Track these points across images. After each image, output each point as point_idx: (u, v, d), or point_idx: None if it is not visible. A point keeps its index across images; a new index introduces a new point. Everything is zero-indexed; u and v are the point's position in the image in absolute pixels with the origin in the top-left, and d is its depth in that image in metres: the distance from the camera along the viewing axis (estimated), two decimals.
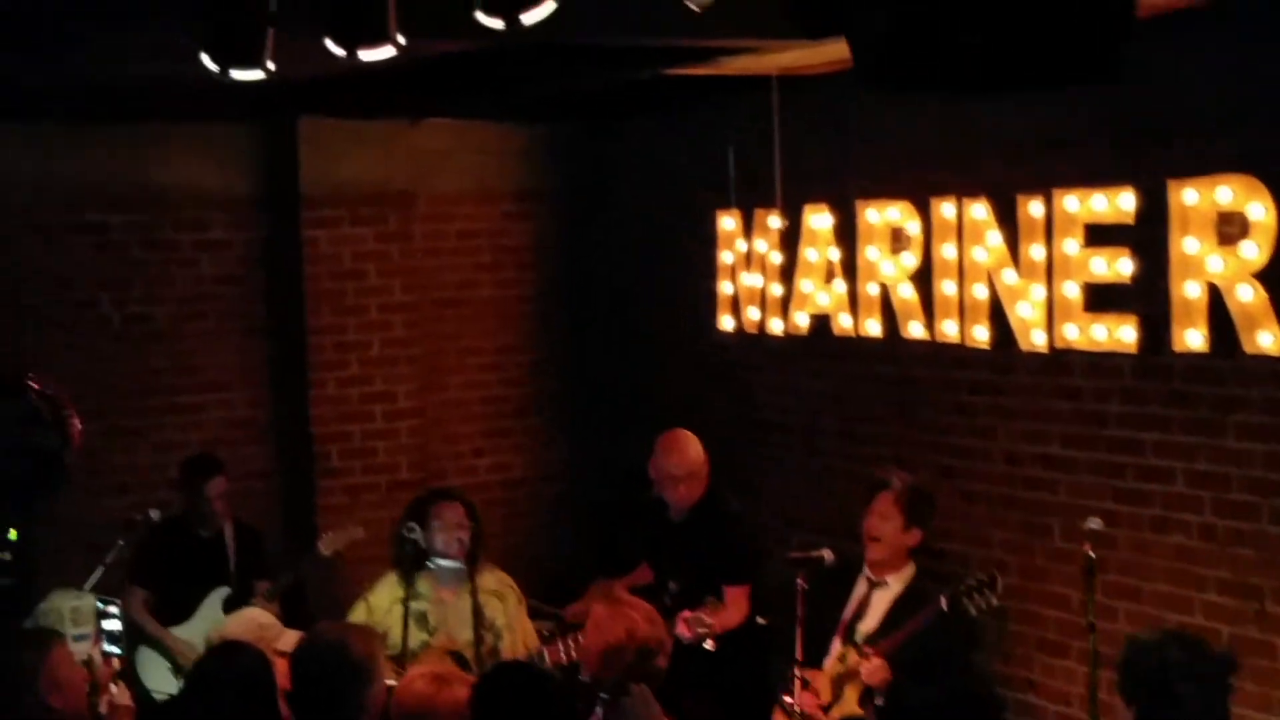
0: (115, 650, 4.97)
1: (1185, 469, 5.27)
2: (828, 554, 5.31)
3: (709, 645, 5.31)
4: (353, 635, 4.23)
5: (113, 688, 4.69)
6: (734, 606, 5.96)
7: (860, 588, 5.52)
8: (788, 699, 5.14)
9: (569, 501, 8.10)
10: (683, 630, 5.22)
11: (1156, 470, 5.36)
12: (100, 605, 5.02)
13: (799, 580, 5.11)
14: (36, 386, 5.76)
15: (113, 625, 5.01)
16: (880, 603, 5.50)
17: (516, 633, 5.71)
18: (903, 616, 5.37)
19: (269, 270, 7.65)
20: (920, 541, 5.58)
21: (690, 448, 6.11)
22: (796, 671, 5.11)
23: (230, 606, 6.48)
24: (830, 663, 5.43)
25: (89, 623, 4.87)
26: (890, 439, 6.51)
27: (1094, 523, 4.93)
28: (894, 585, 5.53)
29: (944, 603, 5.15)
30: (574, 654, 5.24)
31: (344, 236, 7.54)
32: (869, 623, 5.47)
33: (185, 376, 7.52)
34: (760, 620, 6.13)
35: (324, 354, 7.54)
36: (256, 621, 5.39)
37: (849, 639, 5.47)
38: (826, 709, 5.34)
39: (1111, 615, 5.32)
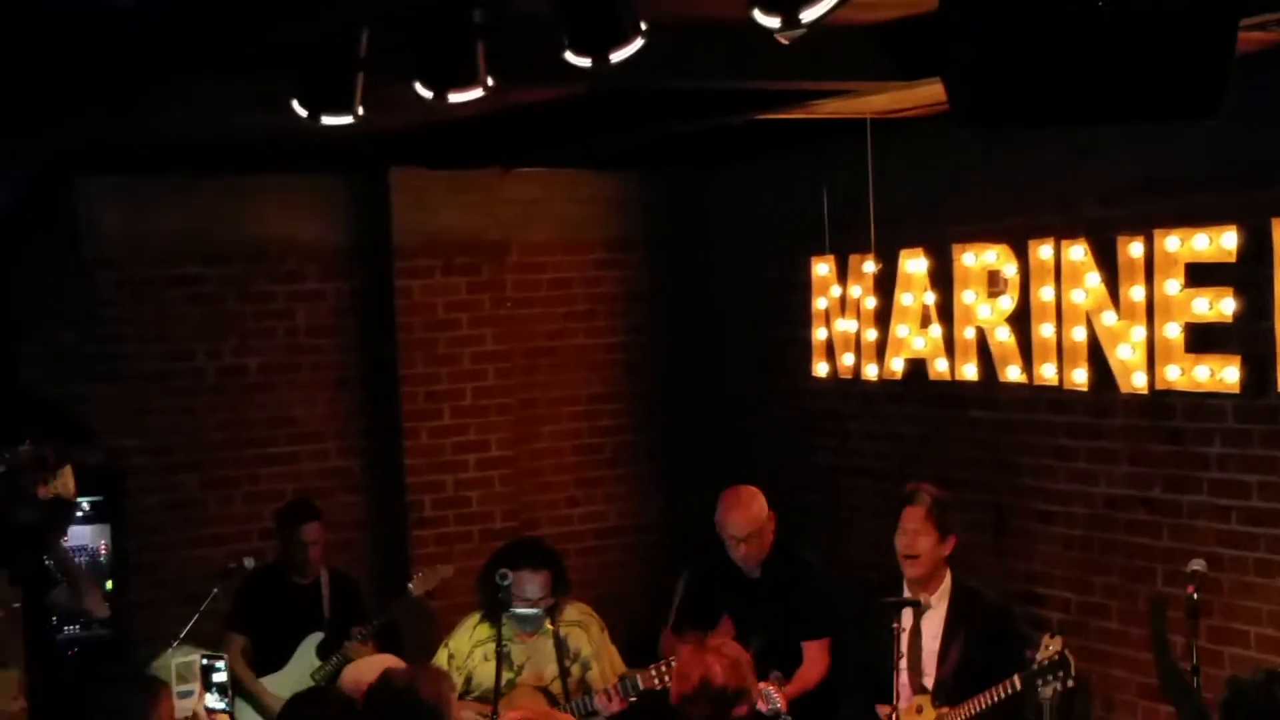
0: (220, 706, 5.11)
1: None
2: (925, 598, 5.43)
3: (781, 708, 5.33)
4: (422, 677, 4.34)
5: None
6: (813, 661, 6.02)
7: (906, 618, 5.42)
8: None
9: (662, 552, 8.16)
10: (759, 704, 5.22)
11: (1262, 513, 5.43)
12: (206, 660, 5.21)
13: (895, 624, 5.17)
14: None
15: (220, 677, 5.16)
16: (931, 628, 5.49)
17: (604, 660, 5.84)
18: (956, 633, 5.41)
19: (362, 320, 7.88)
20: (954, 548, 5.59)
21: (752, 506, 6.14)
22: (888, 713, 5.19)
23: (324, 652, 6.66)
24: (911, 708, 5.42)
25: (194, 678, 5.07)
26: (987, 484, 6.58)
27: (1197, 564, 4.99)
28: (938, 606, 5.53)
29: (1017, 682, 5.12)
30: (667, 680, 5.33)
31: (436, 286, 7.77)
32: (929, 663, 5.47)
33: (279, 427, 7.76)
34: None
35: (416, 403, 7.76)
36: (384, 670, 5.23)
37: (920, 688, 5.47)
38: None
39: (1216, 660, 5.37)
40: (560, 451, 8.24)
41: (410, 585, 6.79)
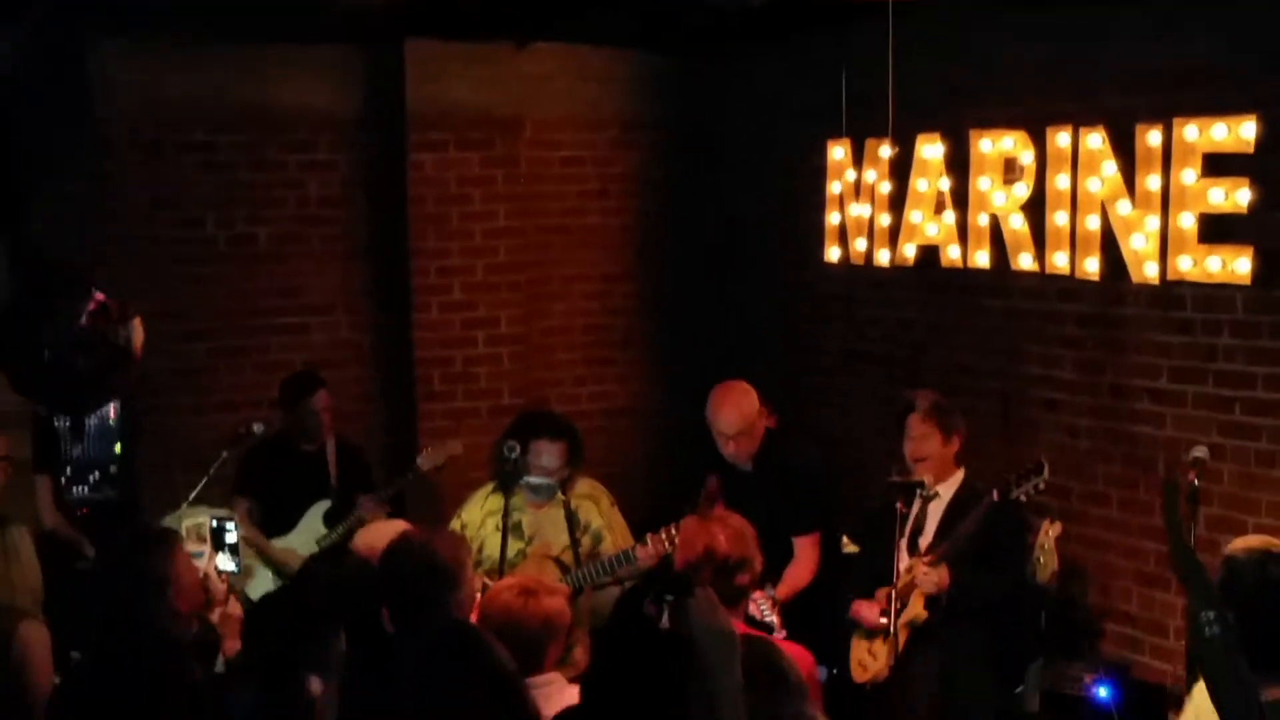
0: (231, 567, 5.18)
1: None
2: (929, 478, 5.57)
3: (775, 620, 5.39)
4: (440, 540, 4.33)
5: (231, 600, 4.85)
6: (804, 558, 6.10)
7: (914, 504, 5.64)
8: (882, 620, 5.42)
9: (668, 435, 8.23)
10: (754, 609, 5.30)
11: (1266, 404, 5.51)
12: (216, 522, 5.26)
13: (899, 505, 5.31)
14: (98, 292, 6.05)
15: (231, 539, 5.22)
16: (935, 513, 5.68)
17: (615, 532, 5.98)
18: (956, 520, 5.57)
19: (374, 193, 7.91)
20: (963, 443, 5.74)
21: (742, 404, 6.13)
22: (889, 593, 5.31)
23: (331, 520, 6.79)
24: (900, 579, 5.55)
25: (205, 539, 5.10)
26: (995, 372, 6.67)
27: (1199, 451, 5.12)
28: (945, 494, 5.70)
29: (995, 495, 5.36)
30: (673, 545, 5.40)
31: (449, 160, 7.80)
32: (927, 536, 5.64)
33: (289, 298, 7.84)
34: (848, 547, 6.32)
35: (427, 278, 7.83)
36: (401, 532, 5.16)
37: (912, 553, 5.62)
38: (896, 616, 5.46)
39: (1213, 549, 5.21)
40: (570, 331, 8.30)
41: (419, 460, 6.86)
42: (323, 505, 6.86)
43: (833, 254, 7.34)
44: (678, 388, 8.25)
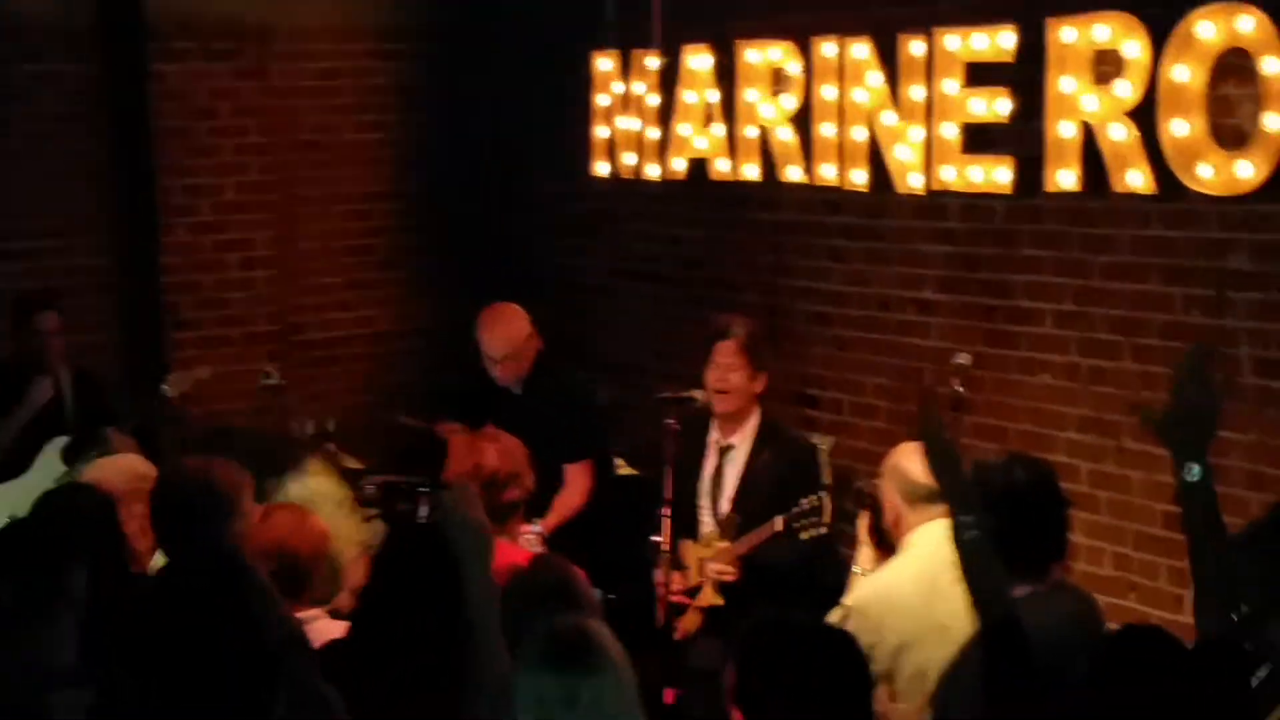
0: None
1: (1054, 310, 5.62)
2: (700, 395, 5.54)
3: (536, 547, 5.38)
4: (218, 467, 4.26)
5: None
6: (573, 486, 6.09)
7: (711, 455, 5.62)
8: (656, 539, 5.32)
9: (435, 358, 8.09)
10: (520, 543, 5.16)
11: (1025, 312, 5.71)
12: None
13: (669, 422, 5.34)
14: None
15: None
16: (731, 473, 5.60)
17: None
18: (755, 481, 5.52)
19: (113, 107, 7.50)
20: (766, 386, 5.65)
21: (511, 326, 6.16)
22: (665, 513, 5.28)
23: (71, 456, 6.24)
24: (702, 543, 5.56)
25: None
26: (765, 286, 6.76)
27: (962, 358, 5.19)
28: (741, 447, 5.60)
29: (779, 524, 5.27)
30: None
31: (195, 72, 7.55)
32: (724, 503, 5.59)
33: (19, 220, 7.40)
34: (623, 468, 6.34)
35: (173, 198, 7.58)
36: (135, 471, 4.84)
37: (712, 511, 5.61)
38: (693, 592, 5.49)
39: (978, 455, 5.47)
40: (330, 252, 8.12)
41: (165, 387, 6.64)
42: (59, 442, 6.36)
43: (601, 168, 7.35)
44: (445, 310, 8.07)
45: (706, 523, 5.60)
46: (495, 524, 4.04)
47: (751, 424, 5.62)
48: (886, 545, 4.74)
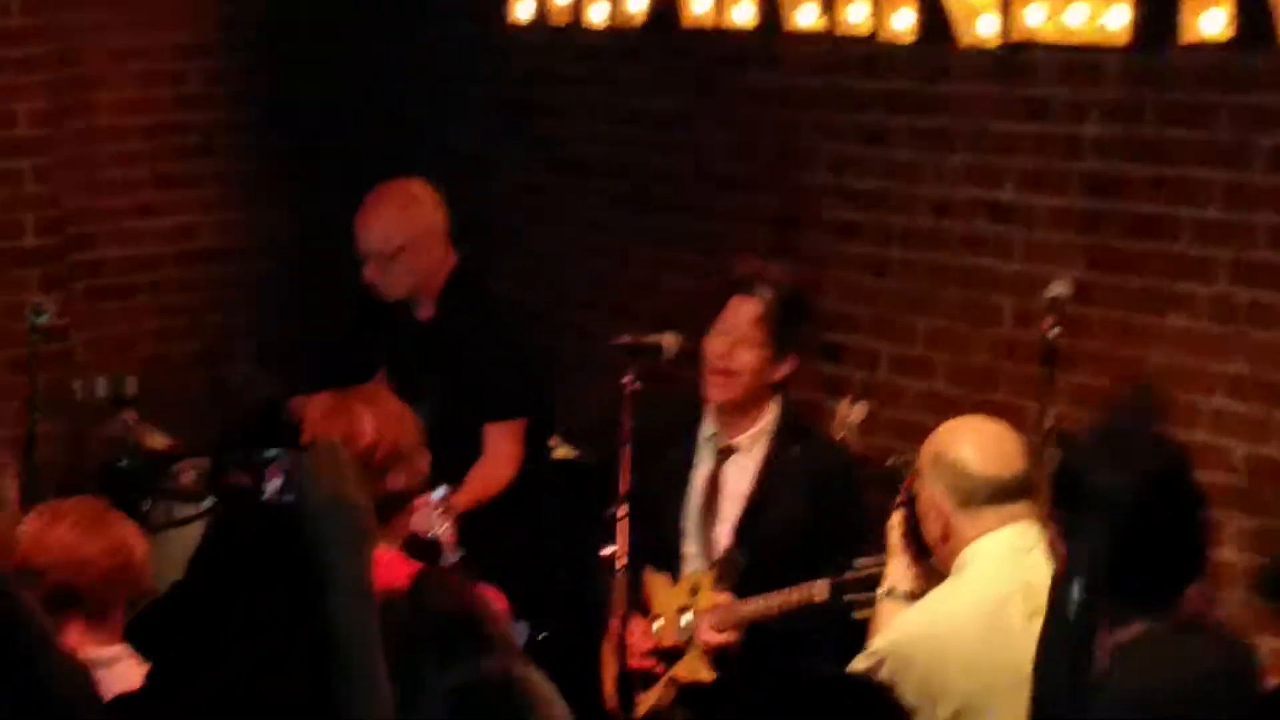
0: None
1: (1193, 219, 5.52)
2: (668, 340, 5.36)
3: (445, 535, 5.25)
4: None
5: None
6: (497, 455, 6.00)
7: (704, 458, 5.52)
8: (606, 552, 5.30)
9: (283, 284, 8.02)
10: (417, 521, 5.09)
11: (1152, 221, 5.61)
12: None
13: (626, 380, 5.19)
14: None
15: None
16: (734, 487, 5.49)
17: None
18: (766, 504, 5.42)
19: None
20: (794, 371, 5.51)
21: (408, 211, 6.10)
22: (620, 514, 5.20)
23: None
24: (680, 585, 5.48)
25: None
26: (766, 184, 6.65)
27: (1059, 288, 5.07)
28: (753, 452, 5.48)
29: (824, 591, 5.11)
30: None
31: None
32: (720, 531, 5.48)
33: None
34: (560, 451, 6.43)
35: None
36: None
37: (704, 541, 5.51)
38: (666, 656, 5.44)
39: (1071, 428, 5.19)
40: (126, 133, 7.85)
41: None
42: None
43: (522, 11, 7.20)
44: (301, 218, 7.99)
45: (691, 555, 5.47)
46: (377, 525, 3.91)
47: (766, 421, 5.44)
48: (926, 553, 4.69)
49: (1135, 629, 3.54)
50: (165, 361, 7.63)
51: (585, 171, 7.38)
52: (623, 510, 5.17)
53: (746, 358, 5.35)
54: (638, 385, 5.19)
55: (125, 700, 3.75)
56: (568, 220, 7.46)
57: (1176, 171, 5.54)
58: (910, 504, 4.73)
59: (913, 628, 4.43)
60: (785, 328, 5.37)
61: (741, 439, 5.43)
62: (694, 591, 5.38)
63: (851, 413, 5.92)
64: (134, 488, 6.38)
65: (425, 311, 6.13)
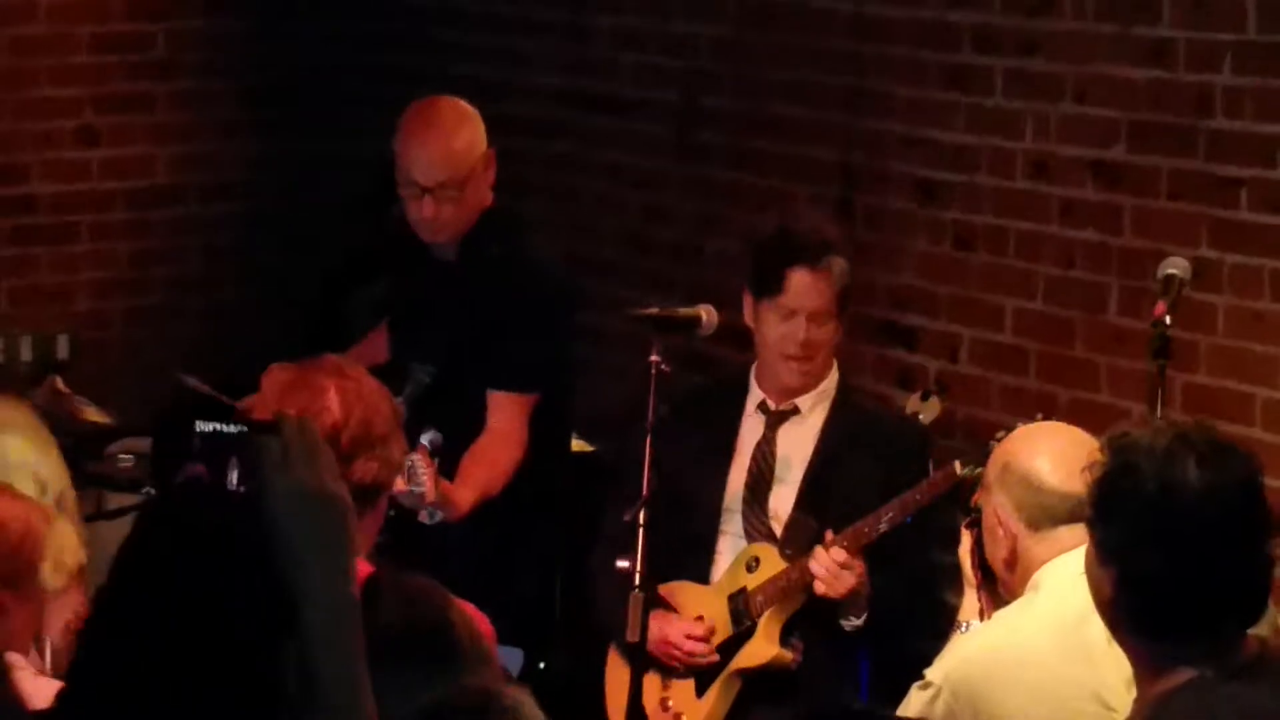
0: None
1: None
2: (706, 313, 5.26)
3: (424, 517, 5.33)
4: None
5: None
6: (500, 431, 5.81)
7: (752, 425, 5.56)
8: (620, 565, 5.19)
9: (257, 226, 7.95)
10: (398, 485, 5.02)
11: None
12: None
13: (654, 358, 5.09)
14: None
15: None
16: (796, 452, 5.55)
17: None
18: (837, 462, 5.51)
19: None
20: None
21: (457, 135, 5.88)
22: (641, 520, 5.05)
23: None
24: (731, 569, 5.49)
25: None
26: (832, 129, 6.56)
27: (1174, 267, 4.97)
28: (812, 416, 5.56)
29: (958, 468, 5.22)
30: None
31: None
32: (789, 485, 5.52)
33: None
34: (580, 444, 6.30)
35: None
36: None
37: (766, 533, 5.49)
38: (722, 650, 5.43)
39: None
40: (69, 44, 7.67)
41: None
42: None
43: None
44: (274, 145, 7.98)
45: (725, 552, 5.49)
46: None
47: (828, 382, 5.56)
48: (991, 580, 4.72)
49: (1184, 674, 3.41)
50: (104, 320, 7.66)
51: (615, 108, 7.33)
52: (642, 517, 5.11)
53: (822, 335, 5.48)
54: (667, 366, 5.16)
55: None
56: (593, 168, 7.45)
57: None
58: (978, 523, 4.76)
59: (973, 652, 4.47)
60: (847, 291, 5.53)
61: (803, 399, 5.56)
62: (751, 567, 5.42)
63: (923, 409, 5.75)
64: None
65: (449, 253, 5.97)
